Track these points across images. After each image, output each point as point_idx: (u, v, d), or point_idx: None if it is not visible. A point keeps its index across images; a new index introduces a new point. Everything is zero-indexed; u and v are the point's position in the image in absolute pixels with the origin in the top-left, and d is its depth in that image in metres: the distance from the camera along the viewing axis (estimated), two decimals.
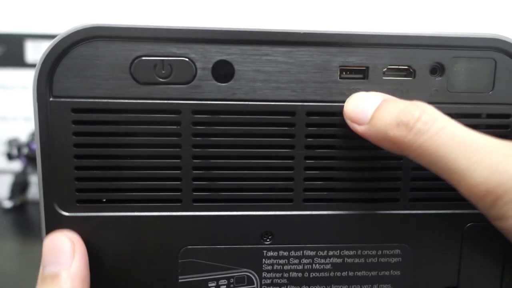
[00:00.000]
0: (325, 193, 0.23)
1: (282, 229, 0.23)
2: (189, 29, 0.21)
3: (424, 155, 0.20)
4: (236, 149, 0.23)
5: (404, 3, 0.75)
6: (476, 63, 0.23)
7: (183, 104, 0.22)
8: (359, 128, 0.21)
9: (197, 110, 0.22)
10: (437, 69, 0.23)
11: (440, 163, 0.19)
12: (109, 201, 0.23)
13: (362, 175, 0.23)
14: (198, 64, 0.22)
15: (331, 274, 0.24)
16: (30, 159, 0.73)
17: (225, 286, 0.24)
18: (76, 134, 0.22)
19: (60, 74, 0.21)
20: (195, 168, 0.23)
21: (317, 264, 0.24)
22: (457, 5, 0.75)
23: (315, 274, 0.24)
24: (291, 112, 0.22)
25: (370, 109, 0.21)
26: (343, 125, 0.23)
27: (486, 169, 0.18)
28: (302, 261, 0.24)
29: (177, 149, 0.22)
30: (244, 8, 0.74)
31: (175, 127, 0.22)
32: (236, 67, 0.22)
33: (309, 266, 0.24)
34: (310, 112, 0.22)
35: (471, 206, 0.24)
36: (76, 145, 0.22)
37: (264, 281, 0.24)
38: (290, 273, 0.24)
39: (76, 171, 0.22)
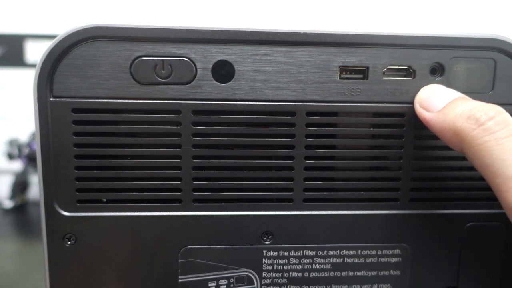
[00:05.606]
0: (325, 193, 0.23)
1: (282, 229, 0.23)
2: (189, 29, 0.21)
3: (482, 154, 0.19)
4: (236, 149, 0.23)
5: (404, 3, 0.75)
6: (476, 63, 0.23)
7: (183, 104, 0.22)
8: (426, 115, 0.21)
9: (197, 110, 0.22)
10: (437, 69, 0.23)
11: (496, 167, 0.18)
12: (109, 201, 0.23)
13: (362, 175, 0.23)
14: (198, 64, 0.22)
15: (331, 274, 0.24)
16: (30, 159, 0.73)
17: (225, 286, 0.24)
18: (76, 134, 0.22)
19: (61, 74, 0.21)
20: (195, 168, 0.23)
21: (317, 264, 0.24)
22: (457, 5, 0.75)
23: (315, 274, 0.24)
24: (291, 112, 0.22)
25: (445, 100, 0.21)
26: (343, 125, 0.23)
27: None
28: (302, 261, 0.24)
29: (177, 149, 0.22)
30: (244, 8, 0.74)
31: (175, 127, 0.22)
32: (236, 67, 0.22)
33: (309, 266, 0.24)
34: (310, 112, 0.22)
35: (471, 206, 0.24)
36: (76, 145, 0.22)
37: (264, 281, 0.24)
38: (290, 273, 0.24)
39: (76, 171, 0.22)
